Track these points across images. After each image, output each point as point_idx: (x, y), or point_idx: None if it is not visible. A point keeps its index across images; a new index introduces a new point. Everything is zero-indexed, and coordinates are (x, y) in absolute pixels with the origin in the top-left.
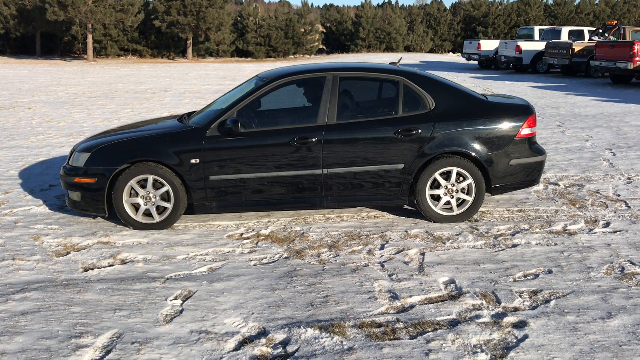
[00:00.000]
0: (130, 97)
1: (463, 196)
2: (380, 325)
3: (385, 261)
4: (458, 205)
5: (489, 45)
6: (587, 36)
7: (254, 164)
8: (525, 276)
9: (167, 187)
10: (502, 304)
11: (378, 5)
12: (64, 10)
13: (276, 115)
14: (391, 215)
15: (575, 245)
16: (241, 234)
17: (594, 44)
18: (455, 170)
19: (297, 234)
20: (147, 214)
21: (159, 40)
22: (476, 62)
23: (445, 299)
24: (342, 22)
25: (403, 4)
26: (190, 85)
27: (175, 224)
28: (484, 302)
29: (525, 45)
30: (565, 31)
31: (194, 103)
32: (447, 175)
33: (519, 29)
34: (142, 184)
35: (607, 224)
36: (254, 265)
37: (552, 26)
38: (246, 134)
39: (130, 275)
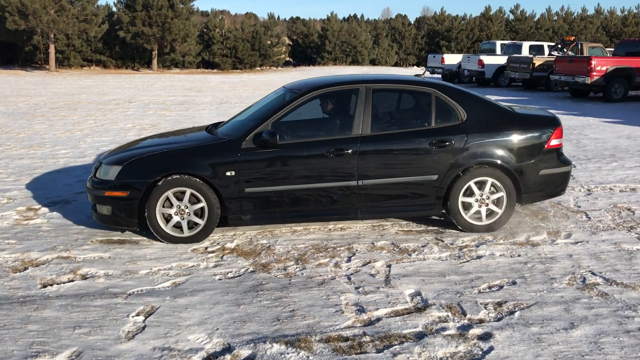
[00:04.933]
0: (94, 108)
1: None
2: (346, 339)
3: (351, 274)
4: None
5: (452, 59)
6: (546, 51)
7: (290, 176)
8: (490, 287)
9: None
10: (468, 316)
11: (344, 18)
12: (24, 20)
13: (310, 126)
14: (358, 228)
15: (538, 257)
16: (206, 248)
17: (553, 59)
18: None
19: (263, 247)
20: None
21: (123, 51)
22: (440, 75)
23: (411, 312)
24: (309, 35)
25: (368, 18)
26: (155, 97)
27: (138, 238)
28: (449, 314)
29: (487, 59)
30: (526, 46)
31: (158, 114)
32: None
33: (481, 43)
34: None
35: (568, 235)
36: (219, 279)
37: (513, 41)
38: (282, 145)
39: (91, 291)
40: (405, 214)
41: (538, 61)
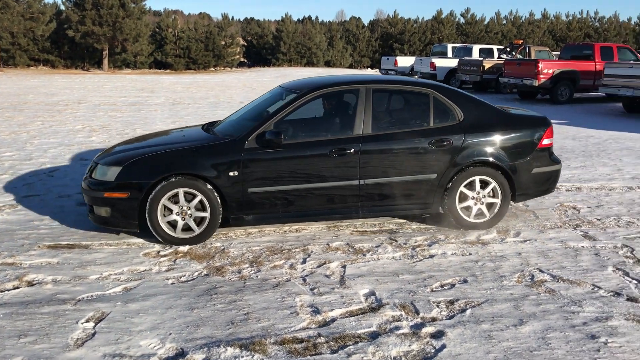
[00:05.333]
0: (41, 109)
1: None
2: (301, 340)
3: (307, 275)
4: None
5: (405, 61)
6: (496, 54)
7: (293, 175)
8: (442, 286)
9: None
10: (421, 315)
11: (298, 20)
12: None
13: (312, 127)
14: (313, 229)
15: (488, 255)
16: (158, 252)
17: (502, 62)
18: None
19: (217, 250)
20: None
21: (72, 51)
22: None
23: (365, 312)
24: (263, 35)
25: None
26: (106, 97)
27: (88, 242)
28: (403, 313)
29: (439, 62)
30: (476, 49)
31: (109, 115)
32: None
33: (433, 46)
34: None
35: (517, 234)
36: (172, 283)
37: (464, 44)
38: (285, 145)
39: (38, 298)
40: (404, 212)
41: (488, 64)
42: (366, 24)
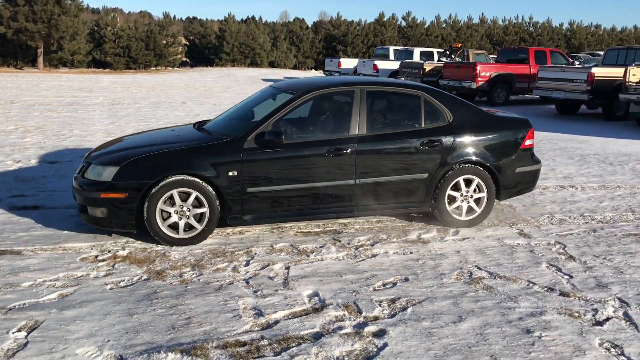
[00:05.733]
0: None
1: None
2: (244, 344)
3: (250, 277)
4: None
5: (348, 63)
6: (436, 57)
7: (291, 175)
8: (384, 285)
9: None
10: (363, 314)
11: (242, 20)
12: None
13: (309, 127)
14: (257, 231)
15: (429, 253)
16: (96, 257)
17: (442, 65)
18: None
19: (157, 253)
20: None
21: (4, 48)
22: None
23: (309, 312)
24: (206, 35)
25: (267, 20)
26: (41, 97)
27: (20, 248)
28: (346, 313)
29: (381, 64)
30: (417, 52)
31: (44, 116)
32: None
33: (375, 48)
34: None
35: (456, 232)
36: (111, 289)
37: (406, 47)
38: (284, 145)
39: None
40: (397, 210)
41: (428, 67)
42: (310, 25)
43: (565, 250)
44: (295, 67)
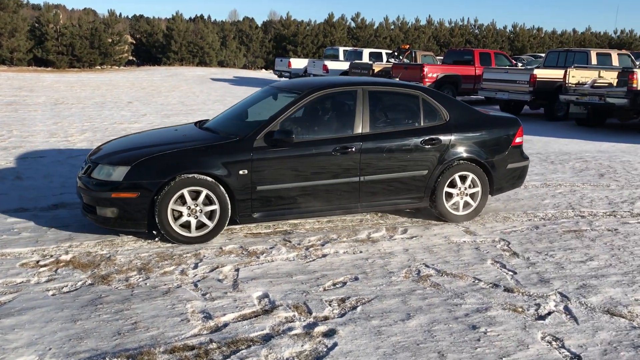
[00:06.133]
0: None
1: (472, 191)
2: (192, 348)
3: (198, 280)
4: (466, 206)
5: (298, 63)
6: (385, 58)
7: (300, 173)
8: (334, 285)
9: (215, 201)
10: (314, 314)
11: (190, 18)
12: None
13: (315, 126)
14: None
15: (378, 252)
16: (37, 262)
17: (391, 66)
18: (468, 174)
19: (102, 258)
20: (196, 226)
21: None
22: (287, 79)
23: (259, 314)
24: (153, 34)
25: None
26: None
27: None
28: (296, 313)
29: (331, 64)
30: (366, 53)
31: None
32: (459, 179)
33: (325, 49)
34: (184, 198)
35: (405, 231)
36: (53, 295)
37: (355, 48)
38: (294, 144)
39: None
40: (398, 206)
41: (377, 67)
42: (260, 25)
43: (509, 247)
44: (245, 67)
